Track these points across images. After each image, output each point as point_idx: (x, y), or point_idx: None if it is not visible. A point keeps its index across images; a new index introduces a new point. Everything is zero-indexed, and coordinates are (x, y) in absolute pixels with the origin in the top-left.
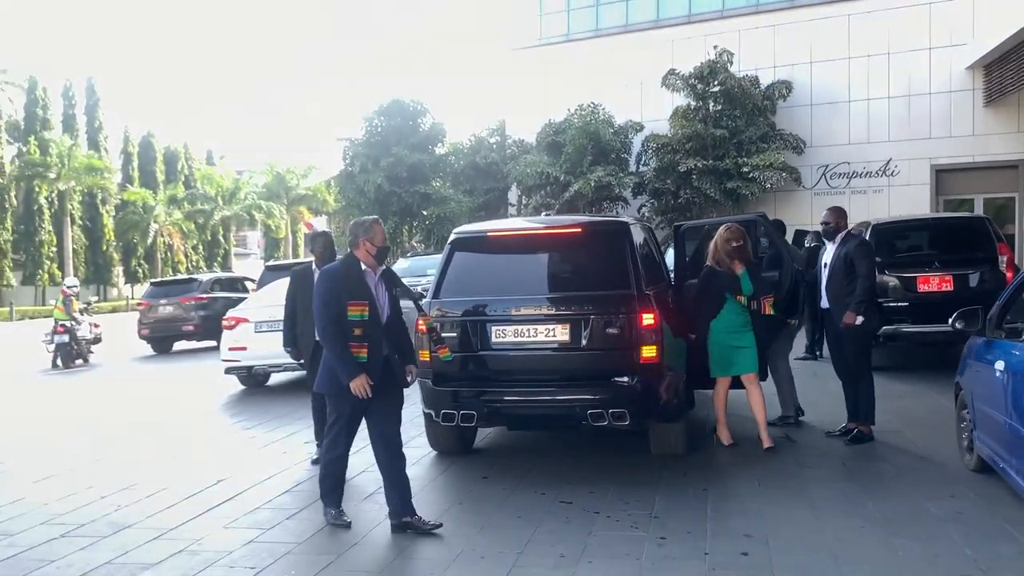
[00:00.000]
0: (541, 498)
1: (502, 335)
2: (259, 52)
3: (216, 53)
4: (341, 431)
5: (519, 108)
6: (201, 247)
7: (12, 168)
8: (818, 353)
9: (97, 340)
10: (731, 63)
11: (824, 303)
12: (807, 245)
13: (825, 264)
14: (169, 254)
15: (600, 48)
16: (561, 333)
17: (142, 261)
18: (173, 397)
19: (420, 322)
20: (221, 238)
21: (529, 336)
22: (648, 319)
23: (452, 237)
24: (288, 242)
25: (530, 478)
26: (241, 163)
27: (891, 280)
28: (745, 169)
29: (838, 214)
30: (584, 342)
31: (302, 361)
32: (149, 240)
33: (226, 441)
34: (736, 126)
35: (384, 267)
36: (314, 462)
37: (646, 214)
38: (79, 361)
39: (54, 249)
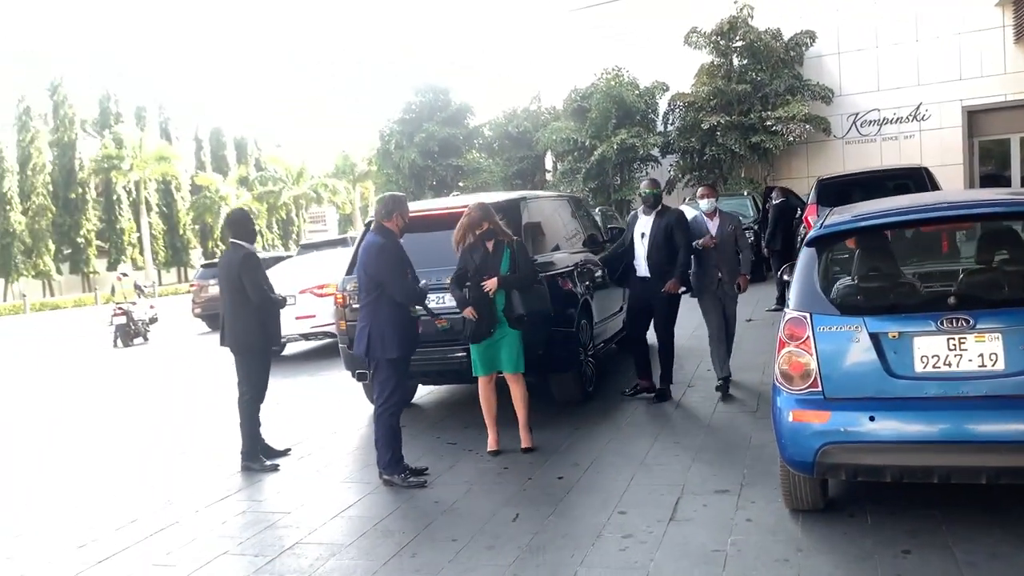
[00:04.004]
0: (435, 441)
1: None
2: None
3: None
4: (398, 391)
5: (552, 76)
6: (276, 226)
7: (91, 162)
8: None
9: (154, 320)
10: (751, 17)
11: (643, 271)
12: (773, 202)
13: (643, 234)
14: None
15: (624, 10)
16: None
17: (219, 243)
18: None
19: (337, 296)
20: (295, 216)
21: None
22: None
23: (367, 221)
24: (356, 217)
25: (437, 427)
26: (306, 148)
27: None
28: (769, 123)
29: (656, 185)
30: None
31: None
32: (221, 221)
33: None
34: (760, 80)
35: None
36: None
37: (673, 173)
38: (138, 339)
39: (136, 235)
